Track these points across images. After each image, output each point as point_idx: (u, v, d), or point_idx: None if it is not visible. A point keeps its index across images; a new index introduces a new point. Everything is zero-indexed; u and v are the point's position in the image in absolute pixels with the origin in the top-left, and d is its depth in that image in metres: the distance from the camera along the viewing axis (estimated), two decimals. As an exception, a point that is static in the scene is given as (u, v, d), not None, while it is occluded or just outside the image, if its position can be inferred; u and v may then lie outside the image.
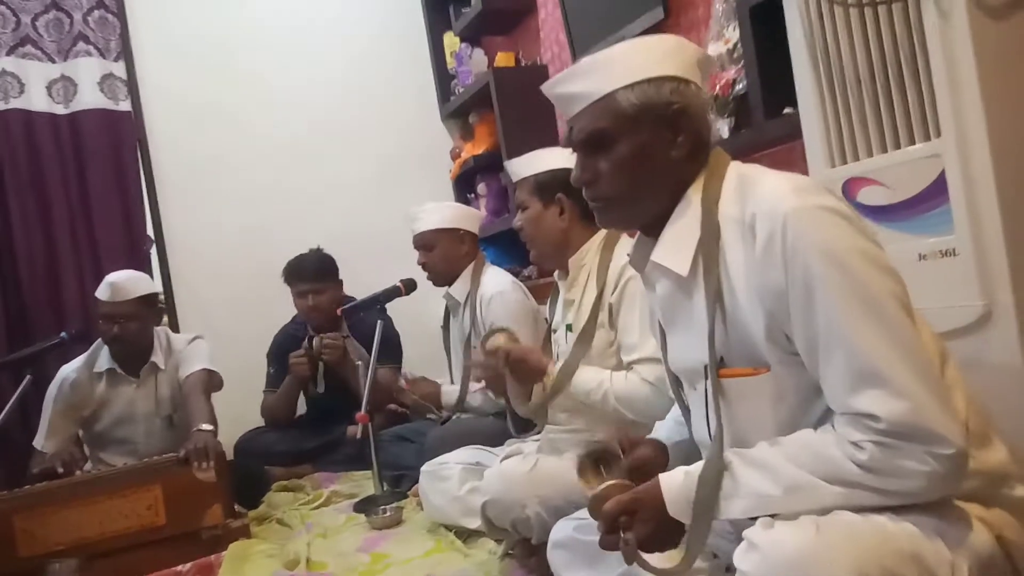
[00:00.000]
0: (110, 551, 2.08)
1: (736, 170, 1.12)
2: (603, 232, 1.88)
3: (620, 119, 1.12)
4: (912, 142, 1.45)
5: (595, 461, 1.19)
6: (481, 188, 3.72)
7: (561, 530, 1.43)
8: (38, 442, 2.61)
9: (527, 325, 2.40)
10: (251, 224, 3.57)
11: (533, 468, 1.68)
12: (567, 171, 1.86)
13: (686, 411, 1.24)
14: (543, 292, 2.73)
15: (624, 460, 1.20)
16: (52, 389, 2.64)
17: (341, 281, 3.11)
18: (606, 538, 1.08)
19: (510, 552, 1.79)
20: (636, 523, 1.05)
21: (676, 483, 1.05)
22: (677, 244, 1.11)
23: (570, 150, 1.21)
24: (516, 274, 2.88)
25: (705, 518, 1.02)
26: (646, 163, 1.12)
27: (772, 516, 0.96)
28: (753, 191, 1.05)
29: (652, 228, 1.16)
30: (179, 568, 2.07)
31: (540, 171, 1.86)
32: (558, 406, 1.79)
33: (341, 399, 2.96)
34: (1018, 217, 1.39)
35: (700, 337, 1.09)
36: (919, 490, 0.93)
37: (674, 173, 1.13)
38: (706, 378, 1.10)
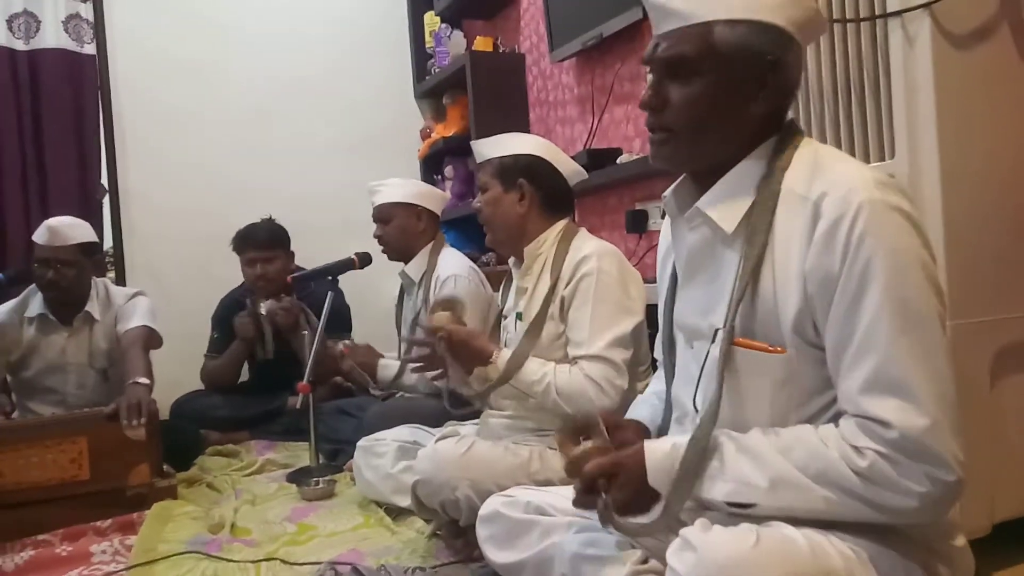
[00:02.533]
0: (27, 501, 2.02)
1: (813, 147, 1.08)
2: (561, 223, 1.88)
3: (710, 53, 1.05)
4: (868, 160, 1.48)
5: (575, 432, 1.19)
6: (448, 171, 3.70)
7: (489, 505, 1.43)
8: None
9: (479, 312, 2.39)
10: (210, 185, 3.50)
11: (467, 451, 1.67)
12: (531, 157, 1.88)
13: (671, 372, 1.23)
14: (500, 279, 2.72)
15: (605, 435, 1.19)
16: None
17: (292, 252, 3.06)
18: (582, 498, 1.08)
19: (437, 532, 1.79)
20: (614, 487, 1.05)
21: (661, 453, 1.04)
22: (729, 199, 1.07)
23: (647, 69, 1.14)
24: (475, 260, 2.87)
25: (683, 492, 1.02)
26: (720, 108, 1.06)
27: (742, 508, 0.97)
28: (829, 171, 1.02)
29: (703, 176, 1.11)
30: (99, 524, 2.01)
31: (505, 154, 1.85)
32: (501, 393, 1.79)
33: (286, 368, 2.91)
34: (960, 244, 1.43)
35: (719, 298, 1.07)
36: (909, 510, 0.92)
37: (745, 127, 1.08)
38: (712, 342, 1.08)
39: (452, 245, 2.75)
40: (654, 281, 1.88)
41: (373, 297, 3.36)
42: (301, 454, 2.69)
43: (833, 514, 0.95)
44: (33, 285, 2.55)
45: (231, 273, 3.08)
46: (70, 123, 3.26)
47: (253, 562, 1.74)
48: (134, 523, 2.03)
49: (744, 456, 1.00)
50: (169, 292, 3.17)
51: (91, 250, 2.59)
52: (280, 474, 2.53)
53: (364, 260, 2.60)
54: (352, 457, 2.37)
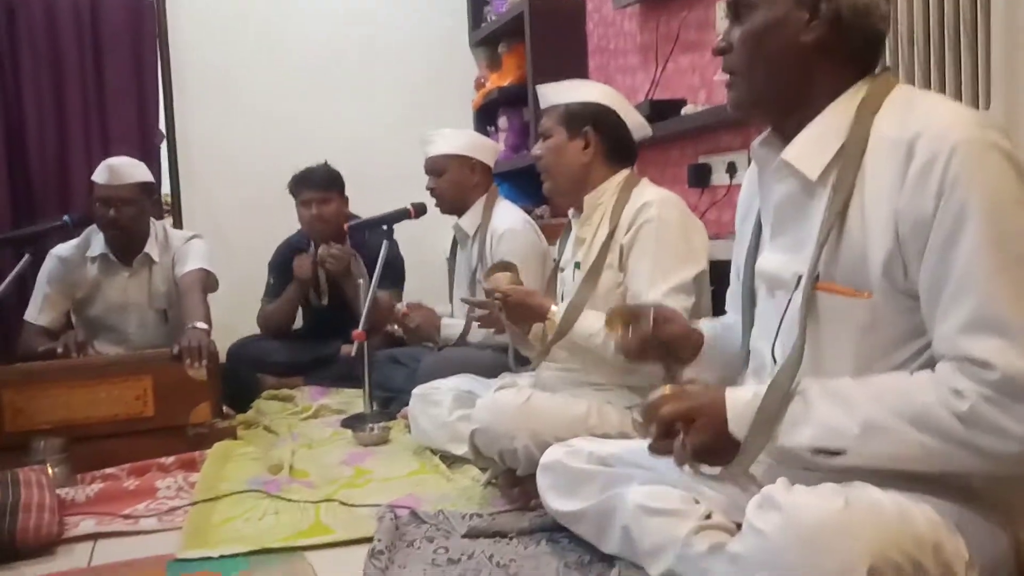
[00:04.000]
0: (96, 436, 2.08)
1: (905, 90, 1.06)
2: (623, 173, 1.84)
3: None
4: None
5: (625, 318, 1.19)
6: (502, 122, 3.65)
7: (551, 454, 1.44)
8: (30, 315, 2.61)
9: (535, 265, 2.37)
10: (266, 132, 3.51)
11: (526, 402, 1.67)
12: (599, 106, 1.83)
13: (749, 324, 1.21)
14: (555, 232, 2.68)
15: (650, 325, 1.20)
16: (45, 265, 2.62)
17: (347, 197, 3.06)
18: (658, 443, 1.08)
19: (493, 481, 1.79)
20: (692, 431, 1.04)
21: (743, 400, 1.03)
22: (814, 146, 1.05)
23: None
24: (529, 213, 2.83)
25: (762, 437, 1.00)
26: (770, 41, 1.06)
27: (830, 456, 0.94)
28: (923, 111, 0.99)
29: (786, 123, 1.10)
30: (162, 460, 2.07)
31: (572, 101, 1.81)
32: (558, 345, 1.77)
33: (340, 316, 2.94)
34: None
35: (806, 246, 1.05)
36: (1011, 455, 0.88)
37: (799, 62, 1.06)
38: (795, 289, 1.06)
39: (505, 198, 2.72)
40: (717, 237, 1.85)
41: (426, 249, 3.36)
42: (354, 400, 2.73)
43: (929, 462, 0.92)
44: (94, 225, 2.60)
45: (287, 220, 3.10)
46: (129, 69, 3.30)
47: (313, 503, 1.77)
48: (196, 461, 2.09)
49: (832, 400, 0.97)
50: (225, 238, 3.21)
51: (149, 190, 2.64)
52: (335, 419, 2.57)
53: (420, 210, 2.58)
54: (405, 405, 2.40)
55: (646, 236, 1.68)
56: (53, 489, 1.75)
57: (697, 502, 1.24)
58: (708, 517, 1.20)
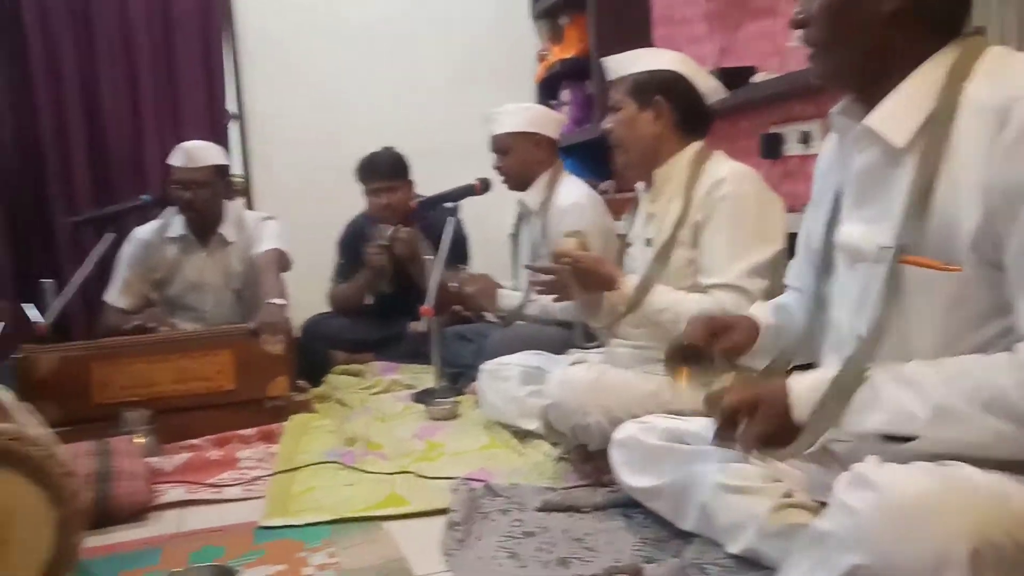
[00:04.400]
0: (179, 408, 2.17)
1: (998, 52, 1.01)
2: (695, 146, 1.80)
3: None
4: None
5: (682, 357, 1.18)
6: (565, 95, 3.61)
7: (625, 430, 1.44)
8: (110, 297, 2.72)
9: (600, 240, 2.35)
10: (331, 111, 3.56)
11: (599, 378, 1.67)
12: (669, 73, 1.79)
13: (818, 297, 1.19)
14: (620, 207, 2.65)
15: (710, 351, 1.18)
16: (125, 248, 2.73)
17: (413, 181, 3.07)
18: (721, 432, 1.08)
19: (564, 456, 1.80)
20: (755, 420, 1.04)
21: (806, 386, 1.03)
22: (900, 112, 1.02)
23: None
24: (593, 187, 2.81)
25: (827, 418, 0.99)
26: (850, 12, 1.03)
27: (900, 442, 0.93)
28: (1018, 73, 0.96)
29: (869, 90, 1.07)
30: (243, 432, 2.15)
31: (641, 70, 1.77)
32: (628, 321, 1.76)
33: (407, 293, 2.98)
34: None
35: (889, 216, 1.02)
36: None
37: (881, 31, 1.03)
38: (879, 261, 1.03)
39: (570, 172, 2.70)
40: (791, 210, 1.79)
41: (489, 226, 3.37)
42: (423, 376, 2.77)
43: (1002, 449, 0.89)
44: (172, 207, 2.69)
45: (352, 198, 3.14)
46: (198, 51, 3.37)
47: (388, 474, 1.82)
48: (274, 433, 2.16)
49: (902, 385, 0.95)
50: (293, 216, 3.24)
51: (222, 172, 2.72)
52: (405, 394, 2.62)
53: (485, 186, 2.59)
54: (472, 380, 2.43)
55: (721, 213, 1.65)
56: (142, 458, 1.84)
57: (777, 480, 1.22)
58: (788, 496, 1.19)
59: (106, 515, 1.64)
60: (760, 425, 1.04)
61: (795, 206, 2.10)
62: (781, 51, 2.49)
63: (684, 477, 1.33)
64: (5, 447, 1.19)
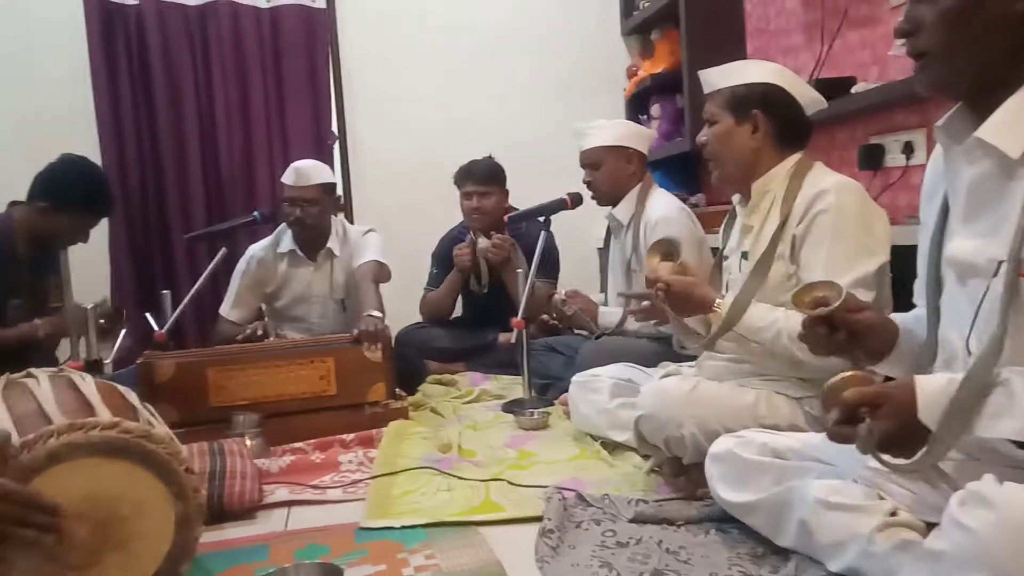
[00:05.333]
0: (286, 412, 2.29)
1: None
2: (794, 158, 1.77)
3: None
4: None
5: (815, 299, 1.15)
6: (655, 109, 3.61)
7: (722, 444, 1.43)
8: (224, 310, 2.91)
9: (692, 253, 2.34)
10: (426, 129, 3.68)
11: (693, 390, 1.66)
12: (767, 86, 1.77)
13: (935, 314, 1.16)
14: (711, 221, 2.64)
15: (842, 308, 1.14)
16: (241, 264, 2.91)
17: (507, 191, 3.14)
18: (840, 428, 1.02)
19: (656, 469, 1.80)
20: (878, 417, 0.99)
21: (935, 386, 0.99)
22: (1016, 123, 1.00)
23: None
24: (683, 201, 2.80)
25: (956, 428, 0.95)
26: (973, 17, 1.00)
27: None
28: None
29: (980, 99, 1.04)
30: (344, 436, 2.24)
31: (738, 83, 1.75)
32: (725, 337, 1.74)
33: (498, 304, 3.04)
34: None
35: (1003, 230, 1.00)
36: None
37: (1008, 35, 1.00)
38: (993, 276, 1.01)
39: (659, 186, 2.69)
40: (893, 223, 1.74)
41: (577, 240, 3.40)
42: (512, 387, 2.81)
43: None
44: (283, 224, 2.84)
45: (447, 214, 3.24)
46: (304, 74, 3.55)
47: (482, 481, 1.86)
48: (373, 438, 2.25)
49: None
50: (391, 232, 3.37)
51: (330, 190, 2.85)
52: (495, 404, 2.67)
53: (576, 201, 2.62)
54: (562, 392, 2.45)
55: (822, 226, 1.61)
56: (251, 459, 1.95)
57: (881, 498, 1.19)
58: (894, 514, 1.16)
59: (218, 512, 1.73)
60: (883, 424, 0.99)
61: (897, 218, 2.04)
62: (882, 60, 2.43)
63: (783, 493, 1.31)
64: (136, 444, 1.28)
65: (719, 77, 1.79)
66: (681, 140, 3.39)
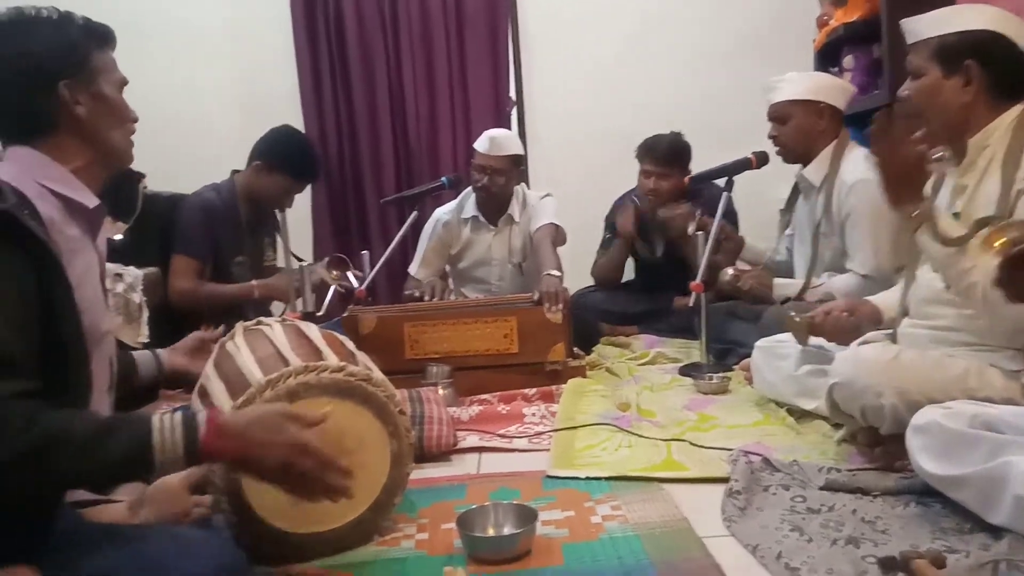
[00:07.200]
0: (472, 366, 2.44)
1: None
2: (1016, 110, 1.61)
3: None
4: None
5: (1014, 238, 1.07)
6: (848, 61, 3.36)
7: (926, 415, 1.37)
8: (412, 269, 3.12)
9: (891, 220, 2.20)
10: (604, 91, 3.68)
11: (895, 358, 1.58)
12: (984, 34, 1.62)
13: None
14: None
15: None
16: (428, 227, 3.10)
17: (689, 170, 3.04)
18: None
19: (847, 438, 1.75)
20: None
21: None
22: None
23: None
24: (881, 159, 2.61)
25: None
26: None
27: None
28: None
29: None
30: (526, 391, 2.36)
31: (947, 32, 1.61)
32: (935, 299, 1.65)
33: (672, 268, 3.02)
34: None
35: None
36: None
37: None
38: None
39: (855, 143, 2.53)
40: None
41: (760, 201, 3.28)
42: (688, 351, 2.81)
43: None
44: (468, 189, 2.99)
45: (624, 176, 3.24)
46: (486, 42, 3.66)
47: (663, 440, 1.89)
48: (553, 394, 2.35)
49: None
50: (566, 196, 3.43)
51: (519, 161, 3.00)
52: (671, 367, 2.68)
53: (761, 160, 2.53)
54: (742, 357, 2.42)
55: None
56: (445, 407, 2.10)
57: None
58: None
59: (419, 454, 1.87)
60: None
61: None
62: None
63: (996, 468, 1.24)
64: (359, 386, 1.44)
65: (926, 25, 1.65)
66: (878, 93, 3.16)
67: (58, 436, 0.95)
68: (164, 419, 1.04)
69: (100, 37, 1.29)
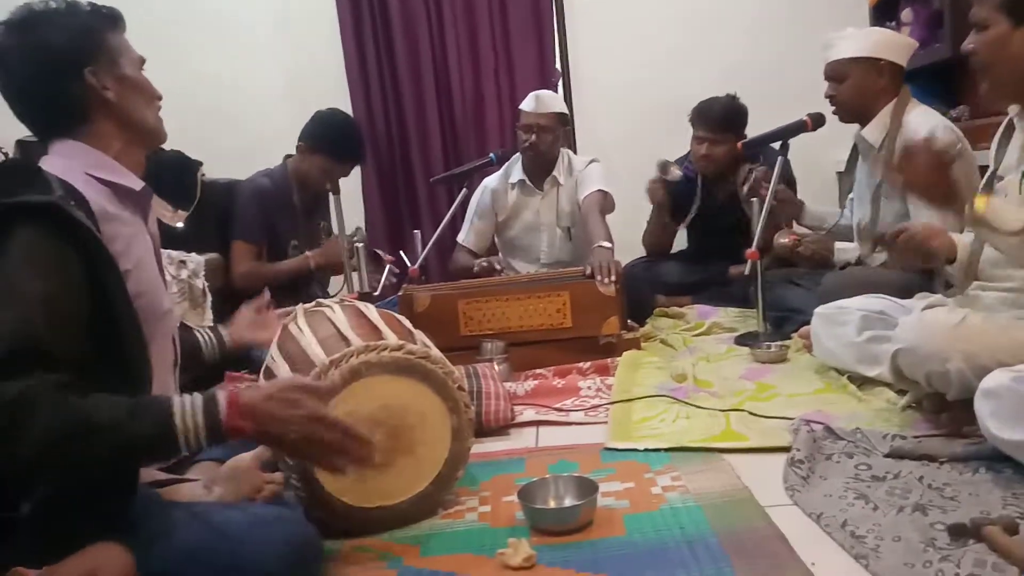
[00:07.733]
0: (526, 341, 2.45)
1: None
2: (1089, 60, 1.53)
3: None
4: None
5: None
6: (906, 14, 3.24)
7: (996, 379, 1.33)
8: (461, 237, 3.17)
9: (962, 178, 2.12)
10: (652, 59, 3.61)
11: (961, 322, 1.53)
12: (1056, -20, 1.54)
13: None
14: (976, 136, 2.35)
15: None
16: (476, 195, 3.12)
17: (744, 135, 2.97)
18: None
19: (912, 404, 1.71)
20: None
21: None
22: None
23: None
24: (943, 115, 2.51)
25: None
26: None
27: None
28: None
29: None
30: (580, 364, 2.37)
31: None
32: (993, 262, 1.60)
33: (722, 239, 2.98)
34: None
35: None
36: None
37: None
38: None
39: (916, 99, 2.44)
40: None
41: (817, 164, 3.20)
42: (745, 320, 2.77)
43: None
44: (515, 156, 3.00)
45: (673, 143, 3.19)
46: (530, 13, 3.61)
47: (722, 411, 1.88)
48: (608, 367, 2.35)
49: None
50: (613, 164, 3.40)
51: (564, 120, 3.00)
52: (727, 337, 2.65)
53: (817, 122, 2.46)
54: (800, 325, 2.38)
55: None
56: (501, 382, 2.12)
57: None
58: None
59: (477, 428, 1.90)
60: None
61: None
62: None
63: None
64: (419, 364, 1.47)
65: None
66: (938, 47, 3.03)
67: (82, 424, 0.99)
68: (184, 400, 1.07)
69: (110, 19, 1.30)
